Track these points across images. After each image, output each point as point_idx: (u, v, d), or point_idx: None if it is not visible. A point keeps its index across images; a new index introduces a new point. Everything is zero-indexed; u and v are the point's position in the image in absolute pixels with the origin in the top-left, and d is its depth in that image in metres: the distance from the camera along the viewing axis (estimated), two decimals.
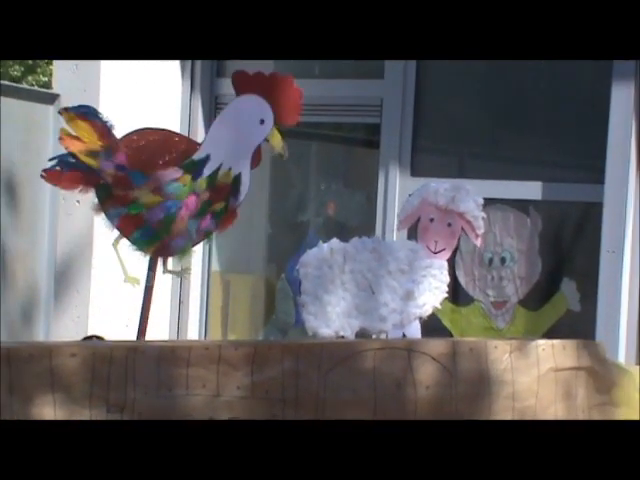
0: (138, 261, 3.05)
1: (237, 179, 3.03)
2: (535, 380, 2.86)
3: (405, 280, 3.34)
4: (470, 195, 3.39)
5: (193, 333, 5.33)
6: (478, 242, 3.44)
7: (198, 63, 5.38)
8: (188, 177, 2.98)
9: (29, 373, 2.47)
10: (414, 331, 3.40)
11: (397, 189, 5.02)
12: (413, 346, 2.79)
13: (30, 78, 11.44)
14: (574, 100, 4.92)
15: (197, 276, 5.29)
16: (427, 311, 3.37)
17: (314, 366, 2.67)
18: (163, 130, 3.14)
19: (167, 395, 2.56)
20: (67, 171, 2.97)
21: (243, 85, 3.04)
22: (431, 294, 3.36)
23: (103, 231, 3.14)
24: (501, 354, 2.84)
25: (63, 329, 5.08)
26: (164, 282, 4.20)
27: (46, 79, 10.65)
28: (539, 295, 4.89)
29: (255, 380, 2.62)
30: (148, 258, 3.06)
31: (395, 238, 4.59)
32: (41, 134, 5.13)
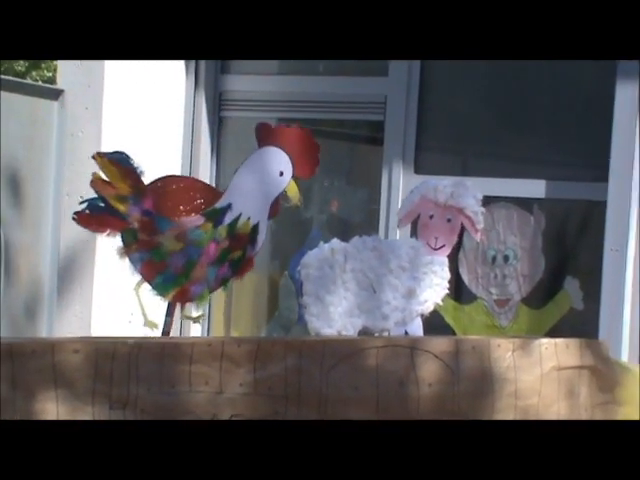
0: (157, 306, 3.10)
1: (255, 229, 3.13)
2: (538, 378, 2.86)
3: (406, 277, 3.34)
4: (469, 191, 3.39)
5: (196, 330, 5.33)
6: (478, 237, 3.45)
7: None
8: (210, 225, 3.07)
9: (32, 369, 2.48)
10: (416, 328, 3.40)
11: (400, 186, 5.01)
12: (416, 344, 2.79)
13: (34, 73, 11.44)
14: (578, 98, 4.91)
15: None
16: (429, 308, 3.37)
17: (317, 363, 2.67)
18: (188, 177, 3.28)
19: (170, 392, 2.57)
20: (96, 215, 3.07)
21: (265, 136, 3.15)
22: (432, 291, 3.36)
23: None
24: (504, 352, 2.84)
25: (66, 325, 5.08)
26: None
27: (50, 74, 10.66)
28: (542, 293, 4.88)
29: (258, 377, 2.62)
30: (167, 304, 3.13)
31: (398, 236, 4.59)
32: (45, 130, 5.13)
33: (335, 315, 3.28)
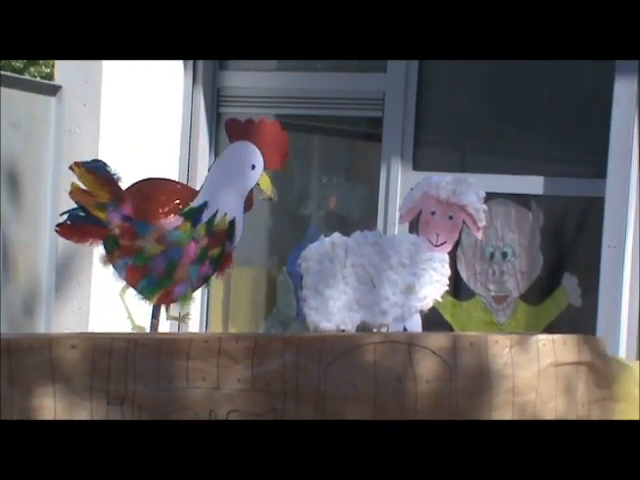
0: (142, 309, 3.12)
1: (232, 224, 3.16)
2: (535, 375, 2.86)
3: (406, 273, 3.34)
4: (471, 188, 3.39)
5: (194, 326, 5.33)
6: (479, 235, 3.44)
7: None
8: (188, 224, 3.10)
9: (29, 364, 2.48)
10: (415, 324, 3.40)
11: (399, 183, 5.01)
12: (414, 340, 2.79)
13: (32, 69, 11.42)
14: (576, 95, 4.91)
15: None
16: (428, 304, 3.37)
17: (314, 359, 2.67)
18: (165, 179, 3.28)
19: (167, 387, 2.57)
20: (77, 225, 3.11)
21: (235, 132, 3.19)
22: (432, 287, 3.36)
23: None
24: (501, 348, 2.85)
25: (64, 321, 5.08)
26: None
27: (48, 70, 10.64)
28: (540, 290, 4.89)
29: (255, 373, 2.62)
30: (151, 306, 3.15)
31: (396, 232, 4.59)
32: (43, 126, 5.12)
33: (334, 309, 3.28)
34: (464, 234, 4.71)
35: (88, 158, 5.05)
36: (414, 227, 3.49)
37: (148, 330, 3.18)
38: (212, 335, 3.06)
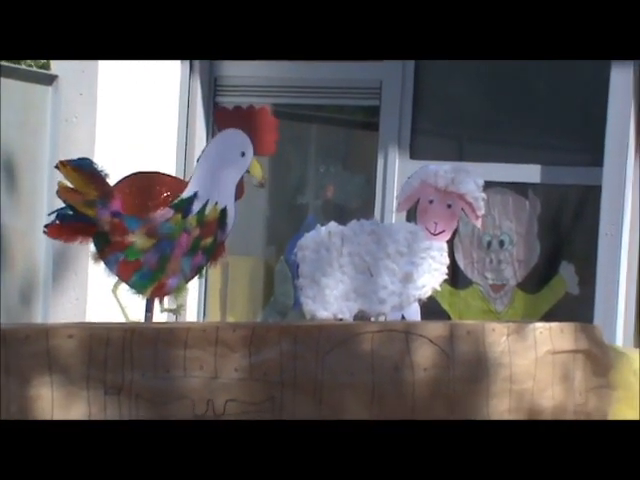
0: (136, 303, 3.12)
1: (224, 213, 3.16)
2: (532, 363, 2.86)
3: (404, 262, 3.33)
4: (470, 176, 3.38)
5: (192, 315, 5.33)
6: (478, 223, 3.44)
7: None
8: (179, 216, 3.10)
9: (26, 354, 2.47)
10: (413, 313, 3.40)
11: (396, 172, 5.01)
12: (411, 329, 2.79)
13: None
14: (573, 83, 4.90)
15: None
16: (426, 293, 3.36)
17: (312, 348, 2.67)
18: (153, 173, 3.27)
19: (165, 377, 2.57)
20: (67, 224, 3.09)
21: (224, 120, 3.20)
22: (430, 276, 3.35)
23: None
24: (499, 337, 2.85)
25: (61, 311, 5.08)
26: None
27: (45, 60, 10.61)
28: (537, 278, 4.89)
29: (253, 362, 2.62)
30: (145, 300, 3.12)
31: (394, 220, 4.59)
32: (39, 115, 5.11)
33: (331, 298, 3.28)
34: (461, 223, 4.72)
35: (85, 147, 5.08)
36: (412, 216, 3.48)
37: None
38: (209, 324, 3.06)
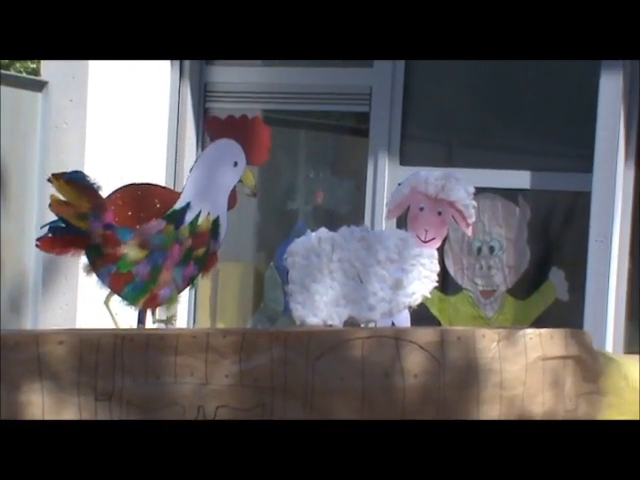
0: (128, 314, 3.11)
1: (216, 223, 3.15)
2: (523, 369, 2.87)
3: (394, 269, 3.33)
4: (460, 184, 3.39)
5: (181, 321, 5.33)
6: (469, 231, 3.44)
7: None
8: (171, 227, 3.09)
9: (16, 361, 2.47)
10: (403, 320, 3.40)
11: (386, 178, 5.02)
12: (401, 335, 2.79)
13: (18, 65, 11.37)
14: (563, 89, 4.92)
15: None
16: (416, 300, 3.36)
17: (302, 354, 2.67)
18: (146, 184, 3.25)
19: (155, 383, 2.56)
20: (59, 237, 3.07)
21: (216, 130, 3.17)
22: (420, 283, 3.35)
23: None
24: (489, 343, 2.85)
25: (51, 317, 5.07)
26: None
27: (34, 66, 10.59)
28: (527, 284, 4.90)
29: (243, 368, 2.62)
30: (137, 311, 3.14)
31: (384, 227, 4.59)
32: (29, 121, 5.10)
33: (320, 304, 3.28)
34: (451, 229, 4.73)
35: (75, 153, 5.07)
36: (402, 222, 3.49)
37: None
38: (200, 330, 3.05)
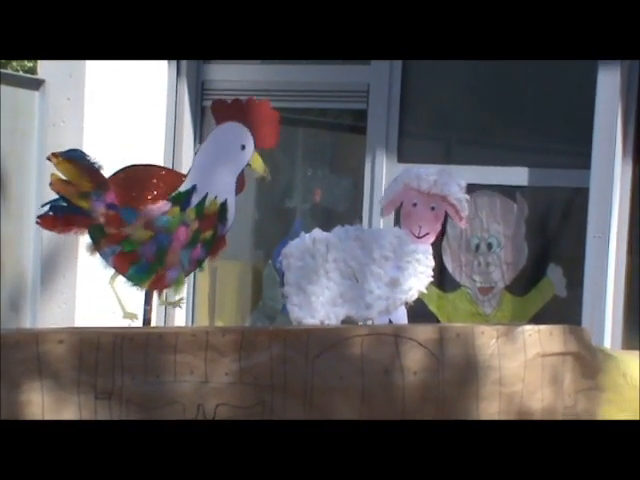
0: (134, 296, 3.10)
1: (224, 206, 3.13)
2: (522, 365, 2.87)
3: (390, 266, 3.34)
4: (452, 178, 3.40)
5: (180, 320, 5.33)
6: (462, 225, 3.46)
7: None
8: (177, 209, 3.07)
9: (16, 360, 2.47)
10: (401, 317, 3.40)
11: (384, 175, 5.02)
12: (400, 332, 2.80)
13: (15, 63, 11.37)
14: (560, 85, 4.92)
15: None
16: (413, 296, 3.37)
17: (302, 352, 2.67)
18: (150, 165, 3.27)
19: (155, 382, 2.57)
20: (60, 215, 3.06)
21: (222, 113, 3.14)
22: (416, 279, 3.36)
23: None
24: (488, 340, 2.85)
25: (49, 315, 5.07)
26: None
27: (31, 64, 10.59)
28: (525, 281, 4.90)
29: (243, 366, 2.62)
30: (144, 292, 3.11)
31: (382, 224, 4.59)
32: (27, 120, 5.10)
33: (317, 305, 3.29)
34: (449, 226, 4.73)
35: None
36: (398, 219, 3.50)
37: (140, 317, 3.16)
38: (199, 329, 3.06)
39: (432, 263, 3.38)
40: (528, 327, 2.94)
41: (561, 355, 2.96)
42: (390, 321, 3.36)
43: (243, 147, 3.12)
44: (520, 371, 2.87)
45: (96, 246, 3.07)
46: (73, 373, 2.50)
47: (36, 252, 5.10)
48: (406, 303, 3.38)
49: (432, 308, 4.96)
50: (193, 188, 3.09)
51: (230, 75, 5.33)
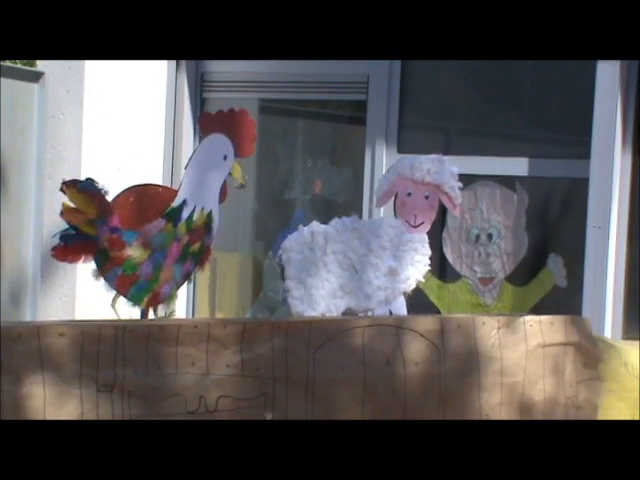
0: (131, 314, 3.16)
1: (210, 217, 3.19)
2: (523, 356, 2.88)
3: (387, 257, 3.35)
4: (445, 166, 3.41)
5: (181, 312, 5.33)
6: (457, 213, 3.47)
7: None
8: (170, 225, 3.13)
9: (18, 353, 2.47)
10: (399, 307, 3.41)
11: (384, 166, 5.01)
12: (401, 323, 2.80)
13: None
14: (560, 76, 4.91)
15: None
16: (411, 286, 3.38)
17: (303, 344, 2.67)
18: (147, 185, 3.31)
19: (156, 374, 2.57)
20: (70, 244, 3.11)
21: (207, 125, 3.23)
22: (414, 268, 3.37)
23: None
24: (489, 330, 2.86)
25: (50, 308, 5.07)
26: None
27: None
28: (526, 271, 4.90)
29: (245, 358, 2.62)
30: (140, 310, 3.18)
31: (382, 215, 4.59)
32: (26, 113, 5.09)
33: (318, 297, 3.29)
34: (449, 216, 4.73)
35: (72, 144, 5.06)
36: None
37: None
38: (201, 320, 3.06)
39: (429, 252, 3.39)
40: (529, 317, 2.94)
41: (562, 345, 2.96)
42: (390, 312, 3.37)
43: (225, 157, 3.18)
44: (521, 361, 2.87)
45: (100, 270, 3.12)
46: (74, 366, 2.50)
47: (36, 245, 5.10)
48: (405, 293, 3.39)
49: (433, 299, 4.97)
50: (183, 202, 3.15)
51: (230, 67, 5.32)
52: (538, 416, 2.88)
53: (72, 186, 3.09)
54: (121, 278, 3.10)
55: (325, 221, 3.45)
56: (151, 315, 3.21)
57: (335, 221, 3.40)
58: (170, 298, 3.18)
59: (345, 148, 5.60)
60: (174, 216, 3.13)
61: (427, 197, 3.38)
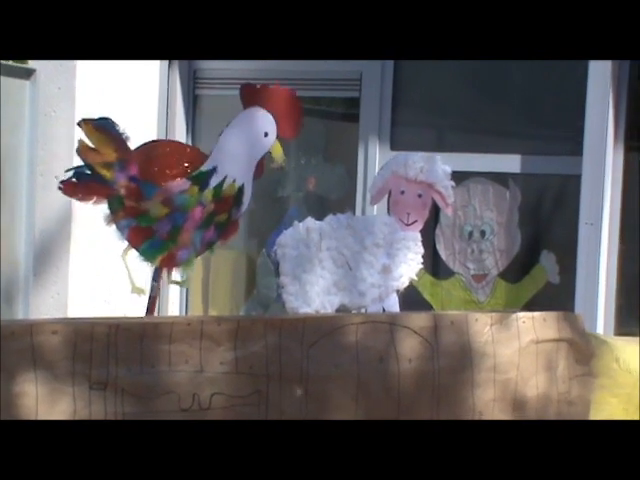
0: (143, 271, 3.10)
1: (240, 190, 3.11)
2: (516, 352, 2.88)
3: (381, 254, 3.36)
4: (438, 165, 3.42)
5: (174, 309, 5.32)
6: (449, 211, 3.49)
7: None
8: (195, 188, 3.05)
9: (11, 350, 2.46)
10: (392, 304, 3.42)
11: (377, 163, 5.02)
12: (395, 320, 2.80)
13: None
14: (552, 73, 4.92)
15: None
16: (404, 283, 3.39)
17: (297, 341, 2.67)
18: (174, 142, 3.23)
19: (150, 371, 2.56)
20: (82, 183, 3.04)
21: (250, 98, 3.14)
22: (407, 266, 3.38)
23: (82, 206, 3.16)
24: (482, 327, 2.86)
25: (42, 306, 5.06)
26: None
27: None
28: (519, 268, 4.91)
29: (238, 355, 2.62)
30: (153, 269, 3.10)
31: (375, 212, 4.60)
32: (18, 110, 5.08)
33: (312, 294, 3.30)
34: (442, 213, 4.73)
35: (64, 141, 5.05)
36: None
37: (148, 292, 3.16)
38: (194, 318, 3.05)
39: (422, 250, 3.40)
40: (522, 314, 2.95)
41: (555, 341, 2.97)
42: (383, 309, 3.37)
43: (266, 134, 3.11)
44: (514, 358, 2.88)
45: (113, 217, 3.05)
46: (67, 364, 2.50)
47: (28, 243, 5.09)
48: (398, 290, 3.40)
49: (426, 296, 4.97)
50: (214, 169, 3.06)
51: (222, 64, 5.32)
52: (531, 412, 2.89)
53: (89, 123, 3.01)
54: (134, 230, 3.02)
55: (319, 218, 3.45)
56: (164, 277, 3.15)
57: (330, 218, 3.40)
58: (187, 264, 3.10)
59: (338, 145, 5.60)
60: (202, 180, 3.05)
61: (420, 195, 3.39)
